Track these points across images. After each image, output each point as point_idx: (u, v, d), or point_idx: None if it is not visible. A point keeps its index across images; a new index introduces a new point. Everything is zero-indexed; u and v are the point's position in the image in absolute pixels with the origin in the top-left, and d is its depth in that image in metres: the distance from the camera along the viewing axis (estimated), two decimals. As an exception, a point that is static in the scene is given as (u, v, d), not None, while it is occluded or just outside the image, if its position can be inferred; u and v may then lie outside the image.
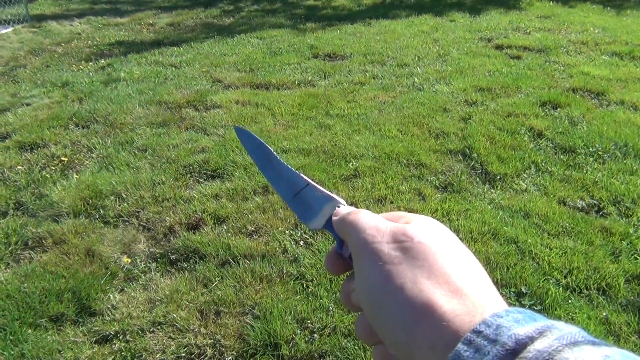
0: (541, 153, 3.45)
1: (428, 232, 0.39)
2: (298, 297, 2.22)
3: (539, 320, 0.30)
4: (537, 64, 5.32)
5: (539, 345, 0.28)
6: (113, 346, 2.01)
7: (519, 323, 0.30)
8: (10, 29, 7.30)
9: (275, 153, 0.55)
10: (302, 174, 0.53)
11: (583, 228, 2.66)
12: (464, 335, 0.31)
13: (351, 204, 2.94)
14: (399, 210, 2.08)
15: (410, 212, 0.46)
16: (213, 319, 2.12)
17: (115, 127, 3.95)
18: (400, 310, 0.34)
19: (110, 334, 2.06)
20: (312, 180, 0.52)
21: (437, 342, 0.32)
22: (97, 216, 2.83)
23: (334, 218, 0.47)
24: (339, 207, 0.49)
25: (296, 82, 4.87)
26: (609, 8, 8.29)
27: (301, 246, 2.55)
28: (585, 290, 2.27)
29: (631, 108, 4.18)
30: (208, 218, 2.77)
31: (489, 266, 2.38)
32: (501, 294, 2.22)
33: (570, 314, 2.12)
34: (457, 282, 0.35)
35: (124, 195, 2.98)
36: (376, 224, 0.40)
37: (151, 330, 2.08)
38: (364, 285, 0.38)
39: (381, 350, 0.39)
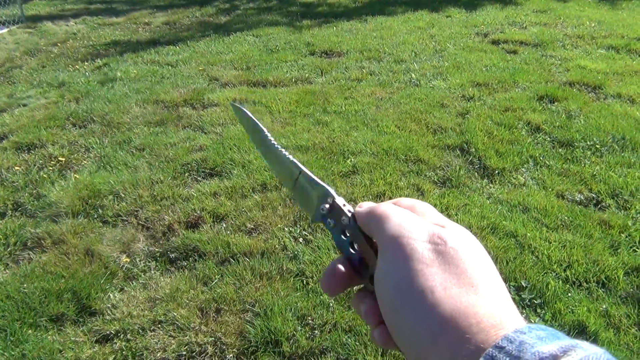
0: (539, 147, 3.46)
1: (460, 239, 0.38)
2: (298, 294, 2.22)
3: (563, 338, 0.30)
4: (533, 58, 5.32)
5: None
6: (114, 345, 2.01)
7: (543, 340, 0.29)
8: (5, 30, 7.27)
9: (269, 136, 0.50)
10: (295, 160, 0.48)
11: (582, 221, 2.67)
12: (485, 349, 0.30)
13: (350, 201, 2.90)
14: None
15: None
16: (213, 316, 2.12)
17: (112, 126, 3.94)
18: (428, 313, 0.34)
19: (111, 333, 2.06)
20: (306, 168, 0.48)
21: (458, 353, 0.31)
22: (95, 216, 2.83)
23: (357, 209, 0.43)
24: (329, 201, 0.45)
25: (293, 80, 4.87)
26: (604, 1, 8.29)
27: (300, 243, 2.55)
28: (584, 283, 2.27)
29: (628, 101, 4.19)
30: (207, 216, 2.76)
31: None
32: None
33: (570, 307, 2.13)
34: (484, 294, 0.34)
35: (123, 195, 2.98)
36: (414, 220, 0.39)
37: (152, 329, 2.08)
38: (389, 279, 0.37)
39: (383, 332, 0.39)
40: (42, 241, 2.62)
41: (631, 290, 2.23)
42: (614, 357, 0.28)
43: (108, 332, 2.07)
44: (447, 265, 0.35)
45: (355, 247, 0.44)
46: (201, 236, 2.59)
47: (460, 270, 0.35)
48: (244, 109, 0.51)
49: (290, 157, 0.48)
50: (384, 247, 0.39)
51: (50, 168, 3.34)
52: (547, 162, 3.27)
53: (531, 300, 2.17)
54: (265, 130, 0.50)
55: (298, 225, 2.67)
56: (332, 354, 1.94)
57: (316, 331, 2.03)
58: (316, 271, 2.34)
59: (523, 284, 2.24)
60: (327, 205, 0.45)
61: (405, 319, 0.35)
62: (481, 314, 0.32)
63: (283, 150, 0.49)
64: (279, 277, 2.33)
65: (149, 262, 2.48)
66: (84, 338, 2.04)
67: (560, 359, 0.28)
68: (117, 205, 2.90)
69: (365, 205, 0.43)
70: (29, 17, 7.97)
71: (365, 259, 0.43)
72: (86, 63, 5.72)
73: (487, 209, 2.77)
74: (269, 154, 0.50)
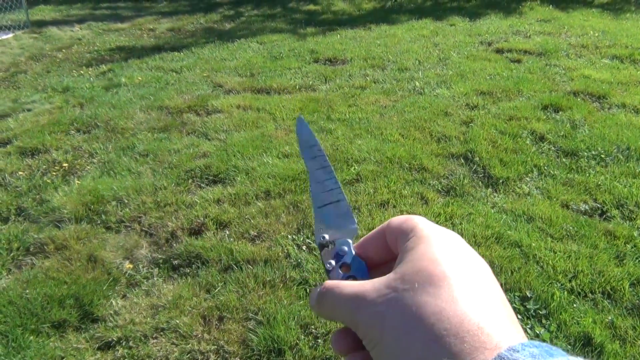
0: (543, 156, 3.45)
1: (428, 271, 0.34)
2: (301, 302, 2.21)
3: (556, 355, 0.29)
4: (537, 67, 5.33)
5: None
6: (116, 352, 2.00)
7: (536, 358, 0.29)
8: (10, 35, 7.31)
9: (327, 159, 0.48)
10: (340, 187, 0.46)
11: (587, 231, 2.65)
12: None
13: (354, 209, 2.87)
14: (402, 214, 2.04)
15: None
16: (216, 324, 2.11)
17: (116, 132, 3.95)
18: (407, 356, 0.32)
19: (113, 340, 2.05)
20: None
21: None
22: (98, 222, 2.82)
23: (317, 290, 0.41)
24: (324, 240, 0.43)
25: (297, 87, 4.87)
26: (608, 11, 8.31)
27: (304, 251, 2.54)
28: (590, 294, 2.25)
29: (632, 111, 4.18)
30: (210, 223, 2.76)
31: (493, 270, 2.36)
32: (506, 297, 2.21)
33: (576, 318, 2.11)
34: (460, 316, 0.32)
35: (126, 201, 2.98)
36: (355, 294, 0.37)
37: (154, 336, 2.07)
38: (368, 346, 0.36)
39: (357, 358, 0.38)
40: (45, 247, 2.62)
41: (637, 301, 2.21)
42: None
43: (110, 339, 2.05)
44: (404, 313, 0.33)
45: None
46: (204, 243, 2.58)
47: (421, 303, 0.33)
48: (309, 127, 0.49)
49: (338, 186, 0.46)
50: (355, 330, 0.38)
51: (54, 173, 3.34)
52: (551, 171, 3.26)
53: (536, 311, 2.15)
54: (324, 153, 0.48)
55: (302, 233, 2.66)
56: (335, 364, 1.92)
57: (319, 340, 2.02)
58: (320, 279, 2.33)
59: (528, 294, 2.23)
60: (323, 239, 0.44)
61: None
62: (459, 341, 0.31)
63: (335, 179, 0.47)
64: (282, 285, 2.31)
65: (152, 268, 2.47)
66: (85, 345, 2.03)
67: None
68: (121, 211, 2.89)
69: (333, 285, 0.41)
70: (34, 22, 8.01)
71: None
72: (91, 68, 5.75)
73: (492, 219, 2.76)
74: (316, 172, 0.47)
